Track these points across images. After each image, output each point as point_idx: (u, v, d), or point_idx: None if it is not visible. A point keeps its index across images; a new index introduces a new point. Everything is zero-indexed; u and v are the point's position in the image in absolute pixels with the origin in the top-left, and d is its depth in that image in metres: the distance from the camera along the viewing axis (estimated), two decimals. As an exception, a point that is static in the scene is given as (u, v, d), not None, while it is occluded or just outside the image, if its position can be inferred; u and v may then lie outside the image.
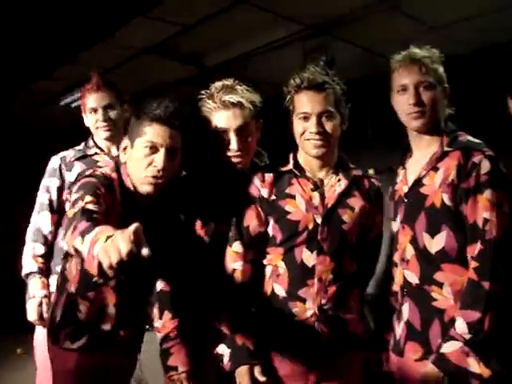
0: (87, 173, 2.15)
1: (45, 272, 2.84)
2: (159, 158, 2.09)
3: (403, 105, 2.14)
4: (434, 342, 2.03)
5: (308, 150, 2.21)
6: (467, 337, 1.92)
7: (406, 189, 2.19)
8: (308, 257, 2.15)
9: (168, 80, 5.85)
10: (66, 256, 2.29)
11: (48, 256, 2.87)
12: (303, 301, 2.14)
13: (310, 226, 2.17)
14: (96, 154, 2.97)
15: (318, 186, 2.24)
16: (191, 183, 2.36)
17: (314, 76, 2.20)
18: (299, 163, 2.28)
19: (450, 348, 1.94)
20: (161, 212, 2.26)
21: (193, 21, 4.69)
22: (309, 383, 2.16)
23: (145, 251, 1.45)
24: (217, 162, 2.32)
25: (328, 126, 2.17)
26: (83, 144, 3.05)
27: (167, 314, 2.24)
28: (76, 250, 1.68)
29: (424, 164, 2.14)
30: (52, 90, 6.21)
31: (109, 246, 1.47)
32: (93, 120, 2.96)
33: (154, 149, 2.10)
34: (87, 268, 1.67)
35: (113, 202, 2.09)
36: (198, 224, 2.30)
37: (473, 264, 1.97)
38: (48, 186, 2.94)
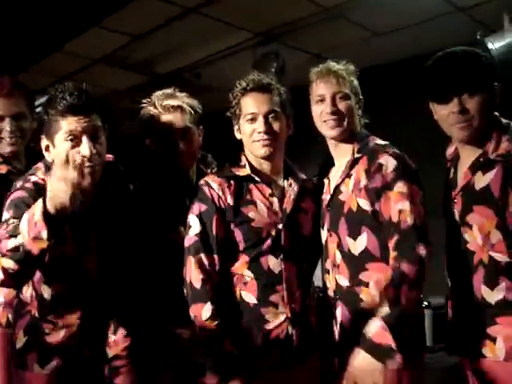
0: (18, 185, 2.08)
1: None
2: (84, 147, 2.02)
3: (321, 114, 2.24)
4: None
5: (256, 150, 2.24)
6: (386, 315, 1.96)
7: (328, 197, 2.29)
8: (274, 263, 2.20)
9: (120, 88, 5.90)
10: None
11: None
12: (275, 306, 2.18)
13: (273, 233, 2.21)
14: (10, 171, 2.57)
15: (274, 192, 2.29)
16: (143, 192, 2.41)
17: (259, 78, 2.28)
18: (253, 168, 2.29)
19: (372, 328, 1.98)
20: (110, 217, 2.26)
21: (143, 30, 4.76)
22: None
23: None
24: (167, 171, 2.38)
25: (275, 126, 2.22)
26: None
27: (121, 332, 2.27)
28: (5, 269, 1.78)
29: (341, 172, 2.25)
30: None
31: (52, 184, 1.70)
32: None
33: (75, 139, 2.03)
34: (33, 248, 1.73)
35: None
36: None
37: (392, 254, 2.05)
38: None
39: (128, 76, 5.72)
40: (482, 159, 1.98)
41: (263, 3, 4.35)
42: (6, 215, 1.97)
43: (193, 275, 2.15)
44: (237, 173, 2.28)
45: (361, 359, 1.98)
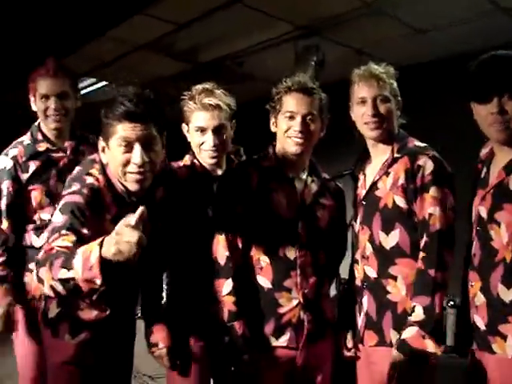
0: (74, 187, 2.05)
1: (8, 278, 2.70)
2: (136, 154, 2.01)
3: (362, 115, 2.34)
4: (386, 331, 2.25)
5: (288, 146, 2.38)
6: (422, 320, 2.11)
7: (363, 192, 2.40)
8: (290, 250, 2.33)
9: (163, 75, 5.98)
10: None
11: (9, 262, 2.71)
12: (289, 291, 2.32)
13: (291, 221, 2.36)
14: (48, 149, 2.82)
15: (295, 184, 2.43)
16: (175, 177, 2.52)
17: (305, 80, 2.41)
18: (279, 160, 2.44)
19: (408, 333, 2.13)
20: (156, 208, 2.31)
21: (187, 19, 4.84)
22: (294, 368, 2.33)
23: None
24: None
25: (311, 127, 2.36)
26: (29, 136, 2.86)
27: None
28: (54, 288, 1.71)
29: (378, 169, 2.35)
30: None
31: (118, 242, 1.54)
32: (43, 107, 2.77)
33: (128, 146, 2.01)
34: (84, 287, 1.65)
35: (103, 212, 2.08)
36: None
37: (420, 254, 2.18)
38: (0, 190, 2.74)
39: (171, 63, 5.81)
40: None
41: (306, -4, 4.38)
42: (59, 217, 1.93)
43: (219, 253, 2.31)
44: (262, 164, 2.45)
45: (397, 360, 2.12)
